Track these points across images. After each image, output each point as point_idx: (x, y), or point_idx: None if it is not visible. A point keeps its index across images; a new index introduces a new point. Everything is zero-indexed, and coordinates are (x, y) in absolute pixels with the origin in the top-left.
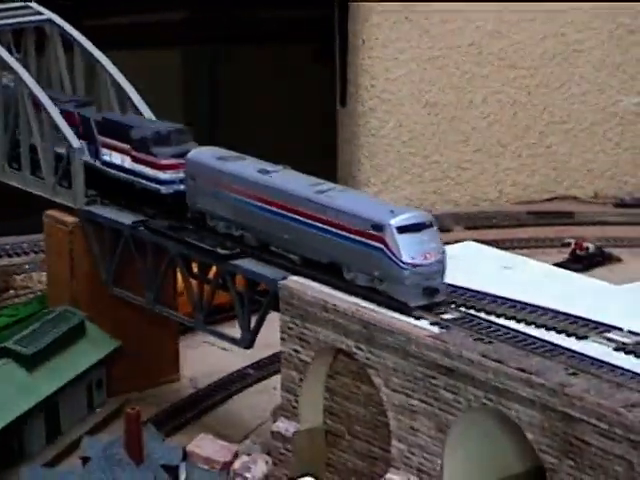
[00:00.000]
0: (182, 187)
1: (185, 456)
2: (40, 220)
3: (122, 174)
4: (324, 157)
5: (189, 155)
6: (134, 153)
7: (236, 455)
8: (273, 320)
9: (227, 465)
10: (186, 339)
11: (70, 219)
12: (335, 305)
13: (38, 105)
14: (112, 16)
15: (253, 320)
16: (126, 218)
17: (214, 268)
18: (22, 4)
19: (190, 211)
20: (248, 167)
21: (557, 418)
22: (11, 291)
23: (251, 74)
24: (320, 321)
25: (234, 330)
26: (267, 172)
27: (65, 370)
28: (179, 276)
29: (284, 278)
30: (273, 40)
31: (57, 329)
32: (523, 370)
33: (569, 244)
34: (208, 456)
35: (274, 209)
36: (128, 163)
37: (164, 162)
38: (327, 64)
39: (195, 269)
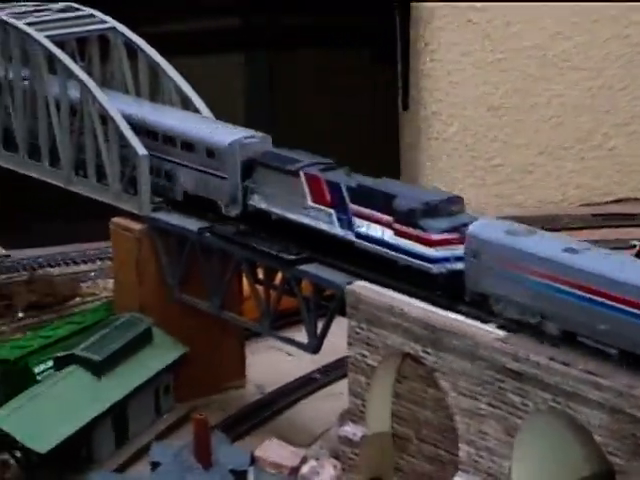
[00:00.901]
0: (458, 266)
1: (253, 461)
2: (104, 227)
3: (381, 249)
4: (386, 161)
5: (470, 230)
6: (397, 226)
7: (304, 460)
8: (338, 324)
9: (295, 470)
10: (251, 344)
11: (136, 226)
12: (402, 309)
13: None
14: (168, 23)
15: (319, 325)
16: (192, 224)
17: (280, 273)
18: (87, 13)
19: (468, 293)
20: (547, 244)
21: (625, 420)
22: (77, 298)
23: (310, 78)
24: (387, 325)
25: (300, 335)
26: (575, 251)
27: (133, 376)
28: (245, 281)
29: (350, 283)
30: (332, 44)
31: (125, 335)
32: (591, 373)
33: (634, 246)
34: (276, 461)
35: (586, 295)
36: (389, 237)
37: (435, 237)
38: (388, 68)
39: (261, 274)
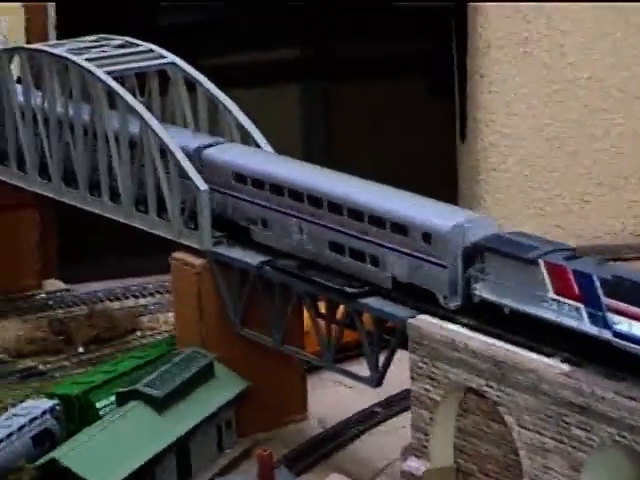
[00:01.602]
0: None
1: None
2: (162, 260)
3: None
4: (444, 193)
5: None
6: None
7: None
8: (397, 356)
9: None
10: (312, 378)
11: (197, 261)
12: (465, 344)
13: (164, 149)
14: (226, 55)
15: (381, 358)
16: (253, 258)
17: (341, 306)
18: (146, 48)
19: None
20: None
21: None
22: (137, 332)
23: (367, 108)
24: (450, 360)
25: (360, 368)
26: None
27: (195, 411)
28: (306, 315)
29: (413, 317)
30: (389, 74)
31: (186, 371)
32: None
33: None
34: None
35: None
36: None
37: None
38: (445, 98)
39: (322, 308)
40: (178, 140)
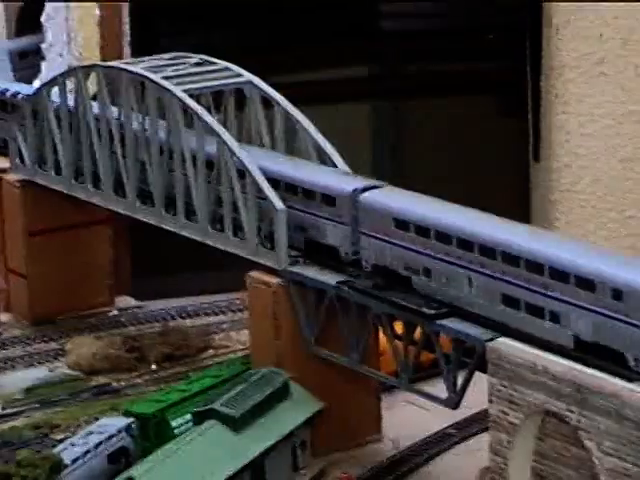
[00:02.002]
0: None
1: None
2: (235, 278)
3: None
4: (516, 213)
5: None
6: None
7: None
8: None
9: None
10: (386, 398)
11: (273, 280)
12: (545, 367)
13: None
14: (297, 72)
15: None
16: (330, 278)
17: (418, 327)
18: (223, 67)
19: None
20: None
21: None
22: (210, 350)
23: (437, 127)
24: (529, 383)
25: (435, 389)
26: None
27: (271, 431)
28: (381, 335)
29: (492, 339)
30: (460, 92)
31: (262, 390)
32: None
33: None
34: None
35: None
36: None
37: None
38: (518, 118)
39: (398, 328)
40: (328, 180)
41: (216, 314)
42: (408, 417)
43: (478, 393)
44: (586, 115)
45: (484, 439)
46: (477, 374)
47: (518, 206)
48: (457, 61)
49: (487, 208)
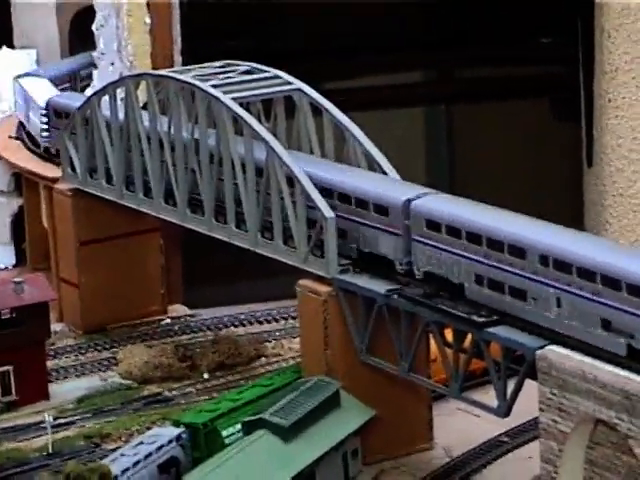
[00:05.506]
0: None
1: None
2: (286, 286)
3: None
4: (569, 218)
5: None
6: None
7: None
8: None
9: None
10: (438, 406)
11: (323, 288)
12: (595, 375)
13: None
14: (348, 78)
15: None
16: (380, 286)
17: (468, 335)
18: (272, 74)
19: None
20: None
21: None
22: (262, 358)
23: (490, 132)
24: (580, 391)
25: (486, 396)
26: None
27: (321, 440)
28: (431, 342)
29: (542, 347)
30: (512, 97)
31: (313, 399)
32: None
33: None
34: None
35: None
36: None
37: None
38: (570, 122)
39: (447, 336)
40: (384, 189)
41: (268, 322)
42: (459, 425)
43: (529, 400)
44: (638, 119)
45: (535, 447)
46: (528, 382)
47: (570, 210)
48: (511, 66)
49: (540, 212)
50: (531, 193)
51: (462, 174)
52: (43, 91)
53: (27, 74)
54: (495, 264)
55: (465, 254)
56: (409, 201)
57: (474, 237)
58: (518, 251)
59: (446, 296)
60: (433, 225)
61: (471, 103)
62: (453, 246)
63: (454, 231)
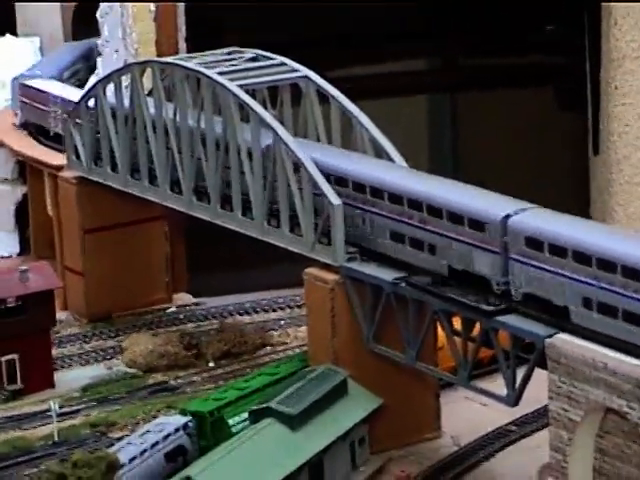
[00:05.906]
0: None
1: None
2: (292, 274)
3: None
4: (576, 205)
5: None
6: None
7: None
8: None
9: None
10: (445, 395)
11: (330, 277)
12: (605, 363)
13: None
14: (354, 66)
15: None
16: (387, 274)
17: (477, 324)
18: (278, 62)
19: None
20: None
21: None
22: (268, 347)
23: (494, 120)
24: (590, 380)
25: (494, 385)
26: None
27: (329, 429)
28: (439, 331)
29: (551, 335)
30: (517, 85)
31: (320, 388)
32: None
33: None
34: None
35: None
36: None
37: None
38: (576, 110)
39: (455, 324)
40: (478, 205)
41: (274, 310)
42: (467, 413)
43: (537, 389)
44: None
45: (544, 436)
46: (537, 370)
47: (577, 199)
48: (516, 54)
49: (545, 201)
50: (534, 181)
51: (466, 162)
52: (66, 89)
53: (23, 75)
54: (607, 286)
55: (570, 275)
56: (507, 218)
57: (581, 257)
58: (632, 272)
59: (454, 284)
60: (533, 243)
61: (475, 91)
62: (556, 266)
63: (558, 250)
